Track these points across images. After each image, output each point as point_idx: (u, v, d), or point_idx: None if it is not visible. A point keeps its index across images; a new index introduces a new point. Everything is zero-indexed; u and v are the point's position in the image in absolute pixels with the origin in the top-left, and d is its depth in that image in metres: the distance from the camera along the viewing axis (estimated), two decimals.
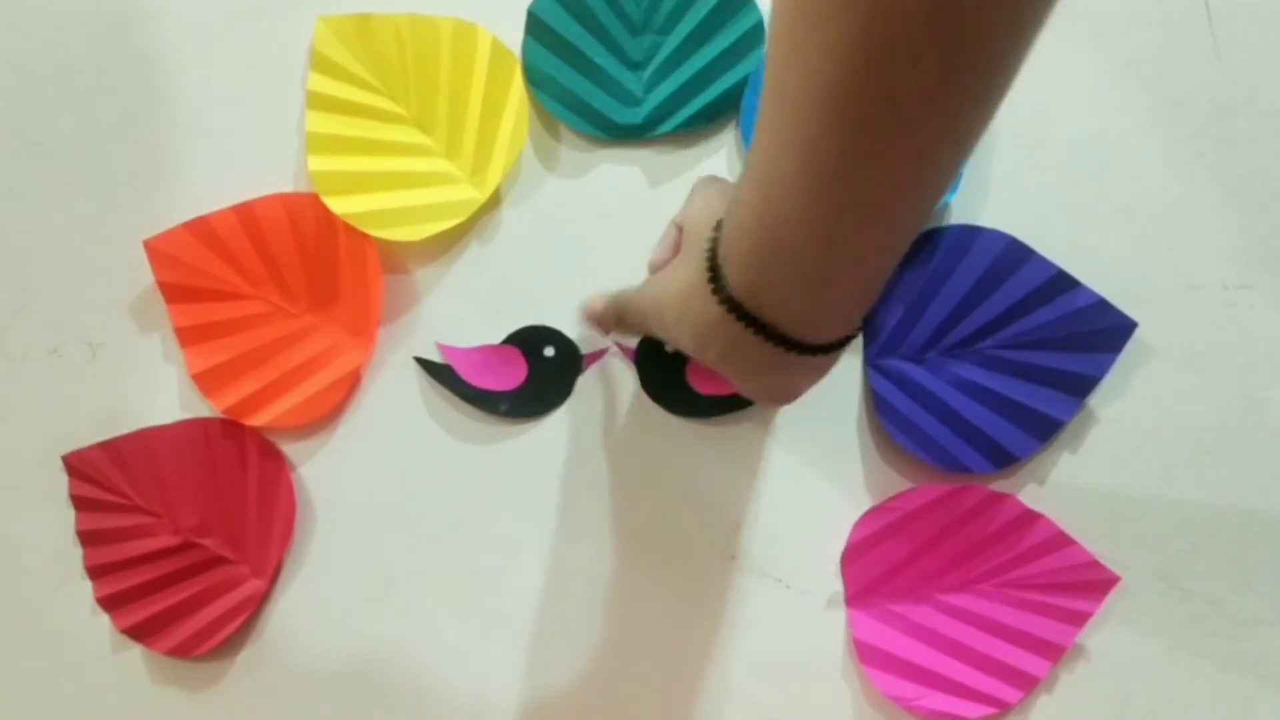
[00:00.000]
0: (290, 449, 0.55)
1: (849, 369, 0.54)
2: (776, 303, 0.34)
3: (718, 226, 0.36)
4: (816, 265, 0.32)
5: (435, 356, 0.55)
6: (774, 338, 0.35)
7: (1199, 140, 0.53)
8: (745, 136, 0.54)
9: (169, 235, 0.53)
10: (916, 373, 0.53)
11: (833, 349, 0.37)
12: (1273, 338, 0.53)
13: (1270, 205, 0.53)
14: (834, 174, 0.29)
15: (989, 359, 0.53)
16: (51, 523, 0.54)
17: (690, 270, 0.37)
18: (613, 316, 0.46)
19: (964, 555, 0.53)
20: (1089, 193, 0.54)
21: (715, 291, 0.35)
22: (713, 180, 0.44)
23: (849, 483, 0.54)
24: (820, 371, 0.39)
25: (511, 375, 0.54)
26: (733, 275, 0.35)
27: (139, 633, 0.54)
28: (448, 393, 0.54)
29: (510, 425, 0.55)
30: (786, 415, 0.54)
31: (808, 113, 0.28)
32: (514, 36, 0.53)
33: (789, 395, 0.41)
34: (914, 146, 0.28)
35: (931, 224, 0.54)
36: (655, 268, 0.46)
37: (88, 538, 0.54)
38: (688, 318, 0.37)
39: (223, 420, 0.54)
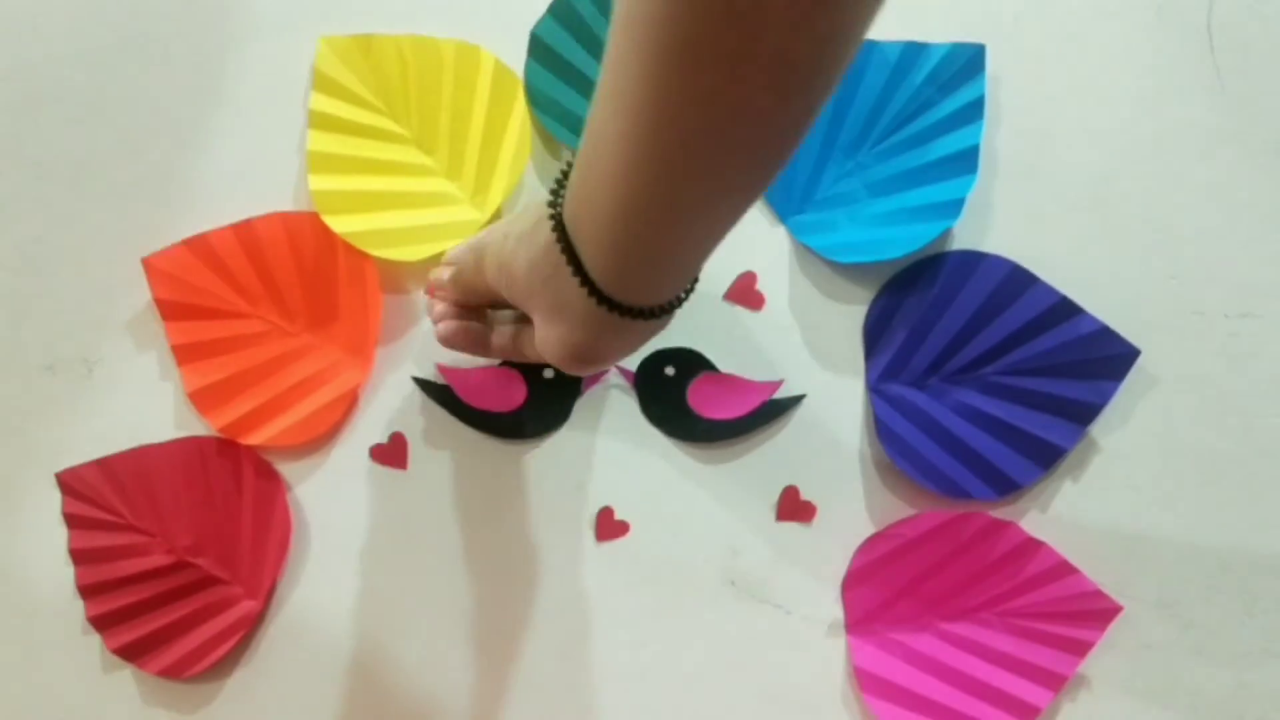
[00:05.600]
0: (286, 469, 0.54)
1: (851, 394, 0.54)
2: (587, 237, 0.35)
3: (574, 153, 0.36)
4: (614, 200, 0.32)
5: (434, 377, 0.54)
6: (581, 274, 0.36)
7: (1201, 168, 0.53)
8: None
9: (167, 253, 0.53)
10: (919, 398, 0.53)
11: (627, 313, 0.37)
12: (1276, 365, 0.53)
13: (1272, 234, 0.53)
14: (650, 111, 0.29)
15: (991, 385, 0.53)
16: (43, 541, 0.54)
17: (543, 204, 0.38)
18: (471, 261, 0.45)
19: (965, 583, 0.53)
20: (1091, 220, 0.54)
21: (551, 205, 0.37)
22: None
23: (850, 508, 0.54)
24: (621, 339, 0.39)
25: (510, 397, 0.54)
26: (566, 201, 0.36)
27: (130, 653, 0.53)
28: (446, 414, 0.54)
29: (508, 447, 0.54)
30: (788, 439, 0.54)
31: (642, 43, 0.28)
32: (516, 58, 0.53)
33: (586, 354, 0.40)
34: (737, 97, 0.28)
35: (934, 250, 0.53)
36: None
37: (80, 556, 0.53)
38: (533, 242, 0.38)
39: (218, 439, 0.53)
